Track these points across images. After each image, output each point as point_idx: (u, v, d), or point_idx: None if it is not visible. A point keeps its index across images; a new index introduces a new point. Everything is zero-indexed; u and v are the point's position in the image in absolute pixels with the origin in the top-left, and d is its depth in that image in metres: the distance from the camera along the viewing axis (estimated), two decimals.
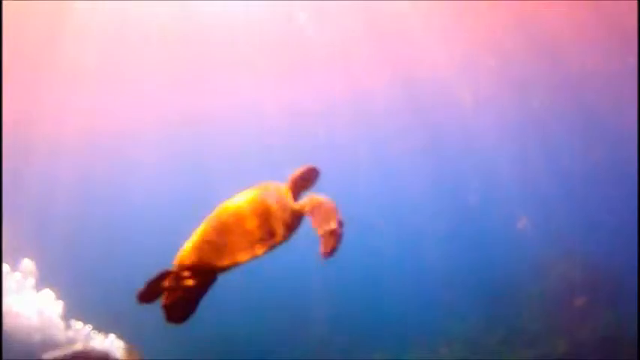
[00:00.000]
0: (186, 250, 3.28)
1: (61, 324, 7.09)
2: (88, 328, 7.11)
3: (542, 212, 20.53)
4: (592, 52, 17.98)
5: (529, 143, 22.63)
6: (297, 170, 3.58)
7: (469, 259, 19.66)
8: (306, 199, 3.43)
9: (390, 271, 20.96)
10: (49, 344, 6.74)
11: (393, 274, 20.49)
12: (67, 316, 7.26)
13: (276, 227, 3.29)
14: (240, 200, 3.40)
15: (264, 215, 3.30)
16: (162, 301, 3.30)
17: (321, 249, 3.14)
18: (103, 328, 7.20)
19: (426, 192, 24.38)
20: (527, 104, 20.96)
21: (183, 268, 3.26)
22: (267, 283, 19.32)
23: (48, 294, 7.39)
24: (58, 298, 7.42)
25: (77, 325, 7.11)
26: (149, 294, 3.33)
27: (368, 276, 20.87)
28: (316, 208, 3.30)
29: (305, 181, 3.58)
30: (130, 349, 6.56)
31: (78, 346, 6.35)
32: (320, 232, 3.18)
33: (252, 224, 3.28)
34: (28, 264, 7.39)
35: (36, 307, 7.09)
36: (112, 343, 6.96)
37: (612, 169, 20.60)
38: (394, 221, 24.35)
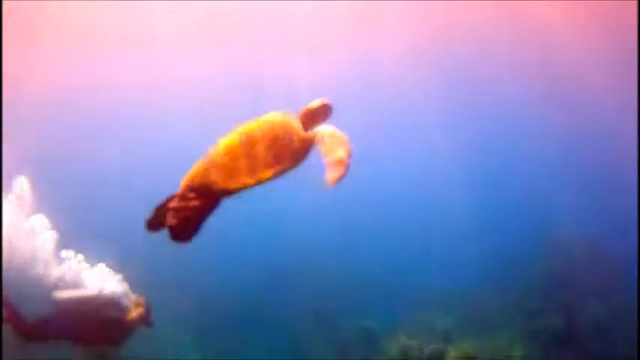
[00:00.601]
0: (193, 172, 3.32)
1: (52, 257, 6.77)
2: (79, 258, 6.81)
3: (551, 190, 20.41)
4: None
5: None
6: (310, 104, 3.54)
7: (473, 229, 19.49)
8: (317, 129, 3.41)
9: (390, 235, 20.83)
10: (40, 279, 6.50)
11: (393, 238, 20.36)
12: (59, 245, 6.92)
13: (285, 153, 3.27)
14: (250, 126, 3.38)
15: (273, 140, 3.28)
16: (168, 220, 3.32)
17: (327, 176, 3.10)
18: (93, 259, 6.92)
19: (440, 158, 24.18)
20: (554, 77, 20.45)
21: (189, 189, 3.30)
22: (260, 242, 19.41)
23: (41, 220, 6.99)
24: (51, 225, 7.03)
25: (68, 254, 6.77)
26: (157, 221, 3.43)
27: (367, 239, 20.79)
28: (326, 137, 3.28)
29: (317, 114, 3.52)
30: (138, 299, 6.47)
31: (91, 290, 6.23)
32: (328, 159, 3.15)
33: (260, 149, 3.25)
34: (23, 183, 6.92)
35: (29, 235, 6.71)
36: (104, 274, 6.71)
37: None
38: (398, 184, 24.22)
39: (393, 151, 24.53)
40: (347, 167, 3.13)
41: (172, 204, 3.34)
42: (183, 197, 3.31)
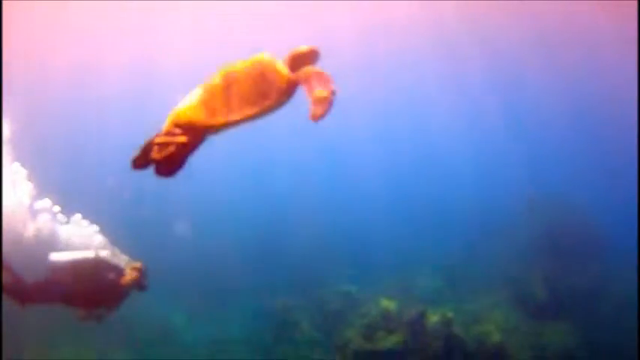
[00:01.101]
0: (178, 109, 3.40)
1: (27, 212, 6.52)
2: (56, 209, 6.57)
3: (539, 154, 20.40)
4: None
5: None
6: (297, 48, 3.54)
7: (457, 192, 19.47)
8: (302, 69, 3.44)
9: (373, 199, 20.81)
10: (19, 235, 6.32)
11: (376, 202, 20.34)
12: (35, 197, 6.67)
13: (269, 91, 3.33)
14: (235, 65, 3.44)
15: (257, 78, 3.35)
16: (153, 154, 3.40)
17: (312, 113, 3.18)
18: (68, 211, 6.71)
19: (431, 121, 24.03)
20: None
21: (174, 125, 3.38)
22: (247, 206, 19.34)
23: (18, 170, 6.67)
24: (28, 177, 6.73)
25: (44, 203, 6.53)
26: (143, 158, 3.46)
27: (349, 203, 20.76)
28: (311, 76, 3.34)
29: (304, 59, 3.51)
30: (133, 262, 6.37)
31: (87, 252, 6.09)
32: (313, 96, 3.23)
33: (244, 86, 3.34)
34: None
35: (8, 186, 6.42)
36: (79, 224, 6.52)
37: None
38: (379, 148, 24.14)
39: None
40: (331, 104, 3.19)
41: (157, 140, 3.41)
42: (168, 133, 3.39)
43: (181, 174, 3.52)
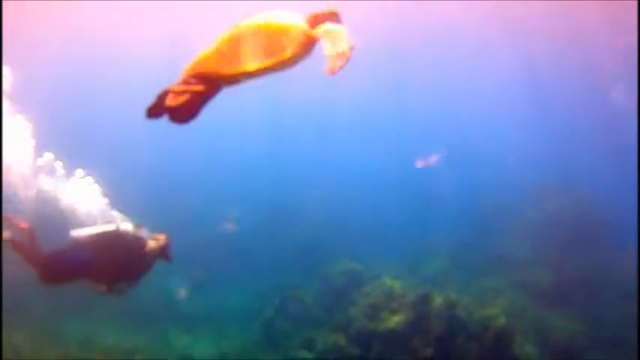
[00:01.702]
0: (195, 59, 3.44)
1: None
2: (59, 165, 6.40)
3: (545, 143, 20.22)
4: None
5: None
6: (319, 10, 3.52)
7: (462, 178, 19.28)
8: (321, 26, 3.42)
9: (385, 185, 20.72)
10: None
11: (387, 188, 20.24)
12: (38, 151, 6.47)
13: (287, 43, 3.31)
14: (256, 18, 3.43)
15: (276, 31, 3.33)
16: (168, 101, 3.43)
17: (328, 66, 3.16)
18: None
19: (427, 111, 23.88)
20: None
21: (191, 75, 3.42)
22: (259, 180, 19.22)
23: (22, 123, 6.45)
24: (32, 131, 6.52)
25: (47, 156, 6.36)
26: (157, 107, 3.50)
27: (360, 184, 20.65)
28: (330, 32, 3.32)
29: (323, 18, 3.48)
30: (156, 233, 6.27)
31: (109, 227, 6.01)
32: (330, 51, 3.22)
33: (262, 38, 3.32)
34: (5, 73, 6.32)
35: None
36: (82, 182, 6.38)
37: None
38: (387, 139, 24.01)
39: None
40: (348, 59, 3.18)
41: (173, 88, 3.46)
42: (184, 82, 3.44)
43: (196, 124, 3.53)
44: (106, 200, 6.48)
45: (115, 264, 5.87)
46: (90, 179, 6.51)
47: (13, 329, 9.86)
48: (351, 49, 3.23)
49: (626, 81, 19.27)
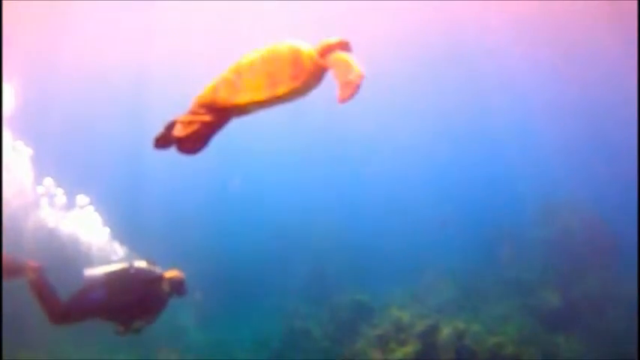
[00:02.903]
0: (205, 88, 3.43)
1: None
2: (59, 192, 6.30)
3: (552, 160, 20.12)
4: None
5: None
6: (328, 39, 3.52)
7: (470, 200, 19.26)
8: (331, 54, 3.44)
9: (386, 208, 20.67)
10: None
11: (390, 214, 20.20)
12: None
13: (296, 73, 3.32)
14: (264, 46, 3.46)
15: (285, 60, 3.35)
16: (176, 132, 3.41)
17: (339, 95, 3.18)
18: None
19: (430, 130, 23.82)
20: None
21: (199, 105, 3.43)
22: (269, 213, 19.22)
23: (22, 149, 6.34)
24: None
25: (48, 183, 6.27)
26: (165, 138, 3.49)
27: (367, 215, 20.62)
28: (339, 61, 3.34)
29: (333, 48, 3.49)
30: (169, 269, 6.11)
31: (122, 265, 5.86)
32: (341, 80, 3.23)
33: (271, 67, 3.33)
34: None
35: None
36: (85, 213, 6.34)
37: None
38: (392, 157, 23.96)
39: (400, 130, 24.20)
40: (358, 88, 3.20)
41: (181, 118, 3.45)
42: (193, 112, 3.44)
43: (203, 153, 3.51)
44: (107, 230, 6.39)
45: (131, 303, 5.73)
46: (91, 208, 6.37)
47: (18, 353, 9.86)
48: (362, 77, 3.25)
49: None
